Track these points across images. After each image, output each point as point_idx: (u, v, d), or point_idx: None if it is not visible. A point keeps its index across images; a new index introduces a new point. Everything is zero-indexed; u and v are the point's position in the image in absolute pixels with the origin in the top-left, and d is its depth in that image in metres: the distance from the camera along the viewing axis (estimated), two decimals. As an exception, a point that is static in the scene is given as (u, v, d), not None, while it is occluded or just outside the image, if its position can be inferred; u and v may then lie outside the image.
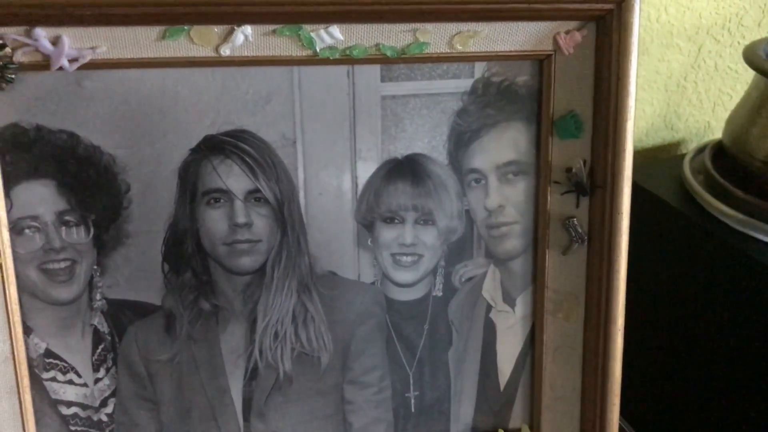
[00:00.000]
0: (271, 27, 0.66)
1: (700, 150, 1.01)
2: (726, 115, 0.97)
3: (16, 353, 0.70)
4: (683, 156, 1.01)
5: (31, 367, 0.72)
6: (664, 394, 1.01)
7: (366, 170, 0.74)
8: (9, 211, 0.68)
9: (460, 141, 0.75)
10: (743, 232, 0.87)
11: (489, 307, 0.80)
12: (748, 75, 0.94)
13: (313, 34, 0.67)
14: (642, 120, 1.12)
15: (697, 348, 0.94)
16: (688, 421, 0.98)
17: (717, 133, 1.04)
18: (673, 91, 1.12)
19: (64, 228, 0.71)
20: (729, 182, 0.90)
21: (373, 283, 0.78)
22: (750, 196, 0.87)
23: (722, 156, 0.96)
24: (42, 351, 0.73)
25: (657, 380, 1.01)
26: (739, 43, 1.10)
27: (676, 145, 1.16)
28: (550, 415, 0.81)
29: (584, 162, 0.74)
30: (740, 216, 0.87)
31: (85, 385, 0.75)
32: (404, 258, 0.77)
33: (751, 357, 0.87)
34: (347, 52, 0.68)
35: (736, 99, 0.99)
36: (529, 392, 0.82)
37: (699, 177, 0.96)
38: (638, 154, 1.13)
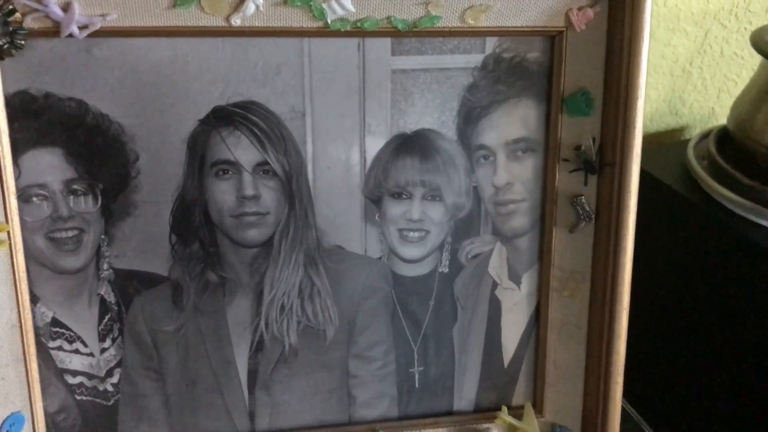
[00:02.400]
0: (283, -3, 0.66)
1: (705, 135, 1.01)
2: (731, 101, 0.97)
3: (23, 321, 0.70)
4: (687, 141, 1.00)
5: (37, 335, 0.72)
6: (666, 376, 1.01)
7: (375, 144, 0.74)
8: (17, 178, 0.68)
9: (470, 117, 0.74)
10: (747, 218, 0.87)
11: (494, 285, 0.80)
12: (754, 61, 0.94)
13: (324, 6, 0.66)
14: (647, 105, 1.10)
15: (700, 331, 0.95)
16: (690, 403, 0.98)
17: (721, 120, 1.04)
18: (679, 77, 1.11)
19: (71, 197, 0.70)
20: (733, 168, 0.90)
21: (379, 258, 0.77)
22: (754, 182, 0.88)
23: (727, 142, 0.96)
24: (48, 320, 0.73)
25: (660, 362, 1.02)
26: (746, 29, 1.09)
27: (681, 130, 1.16)
28: (554, 393, 0.81)
29: (593, 140, 0.74)
30: (744, 201, 0.87)
31: (91, 354, 0.75)
32: (411, 233, 0.77)
33: (754, 341, 0.87)
34: (358, 24, 0.68)
35: (742, 85, 0.99)
36: (532, 370, 0.82)
37: (703, 162, 0.96)
38: (642, 139, 1.13)
